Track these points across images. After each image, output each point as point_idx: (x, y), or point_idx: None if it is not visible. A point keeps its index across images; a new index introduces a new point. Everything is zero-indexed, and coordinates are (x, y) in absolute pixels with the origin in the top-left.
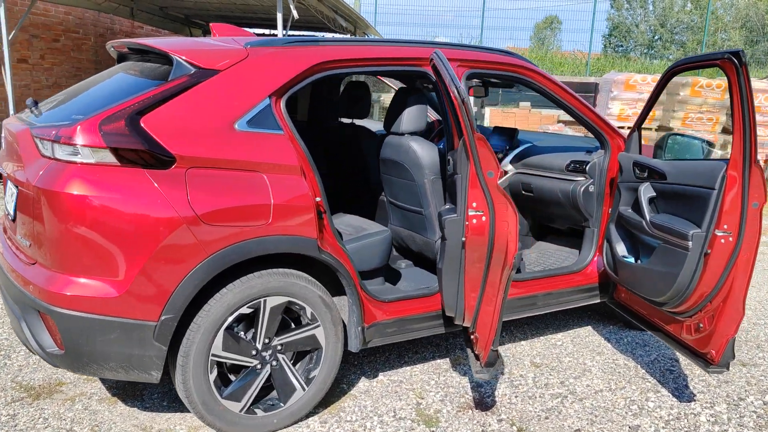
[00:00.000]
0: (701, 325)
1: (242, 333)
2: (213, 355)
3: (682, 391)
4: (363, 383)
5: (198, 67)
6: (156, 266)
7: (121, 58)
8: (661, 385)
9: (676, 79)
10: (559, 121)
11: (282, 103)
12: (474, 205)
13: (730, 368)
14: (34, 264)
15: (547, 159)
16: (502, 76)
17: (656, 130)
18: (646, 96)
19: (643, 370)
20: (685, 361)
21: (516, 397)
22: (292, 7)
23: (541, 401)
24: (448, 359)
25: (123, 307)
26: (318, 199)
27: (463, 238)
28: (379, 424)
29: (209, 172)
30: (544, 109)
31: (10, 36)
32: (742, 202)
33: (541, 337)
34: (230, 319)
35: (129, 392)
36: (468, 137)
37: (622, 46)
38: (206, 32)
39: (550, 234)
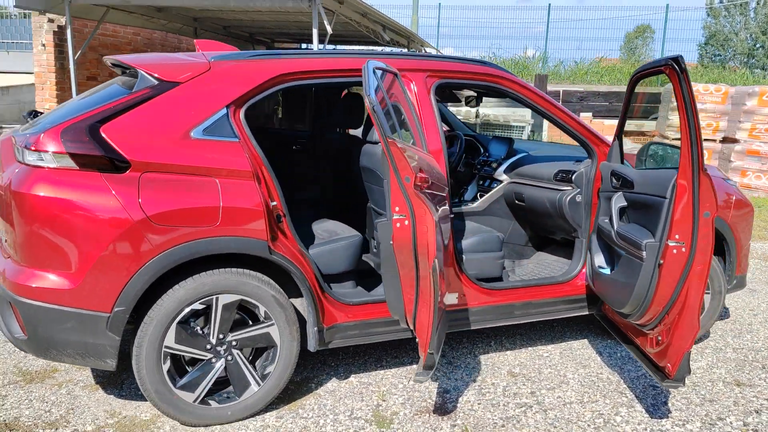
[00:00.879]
0: (660, 338)
1: (198, 328)
2: (166, 346)
3: (658, 408)
4: (332, 383)
5: (160, 80)
6: (108, 262)
7: (123, 71)
8: (638, 400)
9: (741, 88)
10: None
11: (241, 113)
12: (397, 209)
13: (723, 386)
14: (8, 258)
15: (538, 168)
16: (476, 86)
17: (720, 141)
18: (710, 106)
19: (625, 385)
20: None
21: (479, 404)
22: (326, 22)
23: (503, 410)
24: None
25: (77, 299)
26: (274, 203)
27: (391, 242)
28: (332, 422)
29: (163, 176)
30: (607, 120)
31: (77, 55)
32: (694, 211)
33: (530, 348)
34: (183, 313)
35: (111, 381)
36: (383, 143)
37: (719, 55)
38: (269, 47)
39: (552, 244)
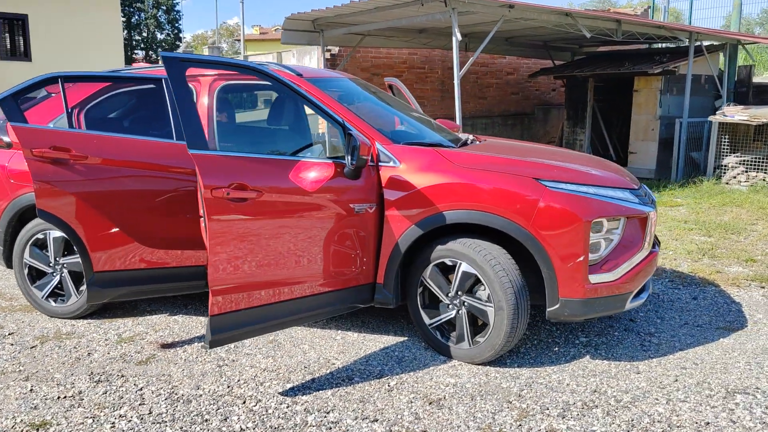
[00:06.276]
0: None
1: (46, 252)
2: (26, 258)
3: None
4: (176, 316)
5: (48, 93)
6: None
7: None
8: (314, 389)
9: None
10: None
11: (83, 112)
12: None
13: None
14: None
15: None
16: (254, 86)
17: None
18: None
19: (363, 383)
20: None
21: (227, 352)
22: (456, 30)
23: (213, 361)
24: None
25: None
26: None
27: None
28: (108, 331)
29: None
30: None
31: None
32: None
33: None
34: (32, 239)
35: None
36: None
37: None
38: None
39: None
